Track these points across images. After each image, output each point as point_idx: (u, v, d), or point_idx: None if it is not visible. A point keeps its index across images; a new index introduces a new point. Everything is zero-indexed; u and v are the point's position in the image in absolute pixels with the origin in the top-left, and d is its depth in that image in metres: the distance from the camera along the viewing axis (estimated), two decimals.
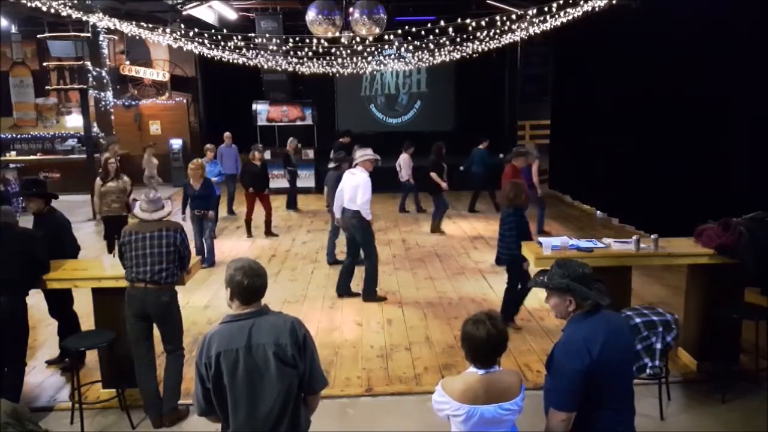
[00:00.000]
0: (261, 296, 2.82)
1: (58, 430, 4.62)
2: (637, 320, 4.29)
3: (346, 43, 11.79)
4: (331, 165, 9.06)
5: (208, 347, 2.74)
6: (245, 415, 2.74)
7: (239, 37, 10.68)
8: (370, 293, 7.33)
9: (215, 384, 2.73)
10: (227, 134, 12.76)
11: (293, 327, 2.78)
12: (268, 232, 10.72)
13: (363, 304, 7.25)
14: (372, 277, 7.32)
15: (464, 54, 13.19)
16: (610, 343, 2.69)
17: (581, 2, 8.32)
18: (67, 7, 9.14)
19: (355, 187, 7.12)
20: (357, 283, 7.51)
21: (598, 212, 12.01)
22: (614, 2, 7.99)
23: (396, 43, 12.11)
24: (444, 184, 10.57)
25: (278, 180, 13.80)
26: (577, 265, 2.85)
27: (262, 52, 12.62)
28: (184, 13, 13.04)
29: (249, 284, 2.75)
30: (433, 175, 10.54)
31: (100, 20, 10.32)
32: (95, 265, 5.18)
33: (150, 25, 10.13)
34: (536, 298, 7.22)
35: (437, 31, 9.71)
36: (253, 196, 10.52)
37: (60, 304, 5.61)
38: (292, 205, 13.17)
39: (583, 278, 2.78)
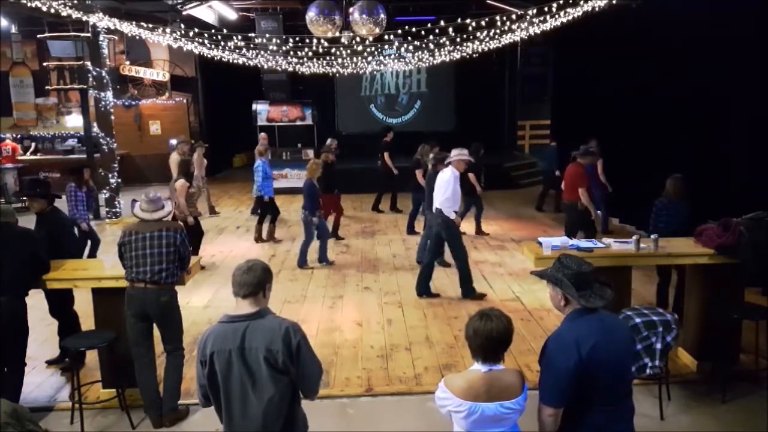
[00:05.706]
0: (253, 293, 2.79)
1: (58, 430, 4.63)
2: (637, 320, 4.29)
3: (346, 43, 11.78)
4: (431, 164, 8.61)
5: (204, 345, 2.78)
6: (238, 417, 2.76)
7: (239, 37, 10.67)
8: (468, 290, 7.29)
9: (210, 381, 2.78)
10: (263, 135, 12.70)
11: (287, 333, 2.74)
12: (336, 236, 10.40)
13: (363, 304, 7.25)
14: (466, 274, 7.29)
15: (464, 54, 13.17)
16: (603, 343, 2.69)
17: (581, 2, 8.32)
18: (67, 7, 9.14)
19: (439, 186, 7.14)
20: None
21: (599, 212, 11.98)
22: (614, 2, 7.99)
23: (396, 43, 12.09)
24: (479, 188, 10.26)
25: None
26: (576, 263, 2.85)
27: (262, 52, 12.61)
28: (184, 13, 13.02)
29: (235, 277, 2.81)
30: (471, 176, 10.07)
31: (100, 20, 10.32)
32: (95, 265, 5.19)
33: (150, 25, 10.12)
34: (536, 298, 7.23)
35: (437, 31, 9.72)
36: (338, 197, 10.31)
37: (60, 304, 5.61)
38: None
39: (578, 276, 2.78)
